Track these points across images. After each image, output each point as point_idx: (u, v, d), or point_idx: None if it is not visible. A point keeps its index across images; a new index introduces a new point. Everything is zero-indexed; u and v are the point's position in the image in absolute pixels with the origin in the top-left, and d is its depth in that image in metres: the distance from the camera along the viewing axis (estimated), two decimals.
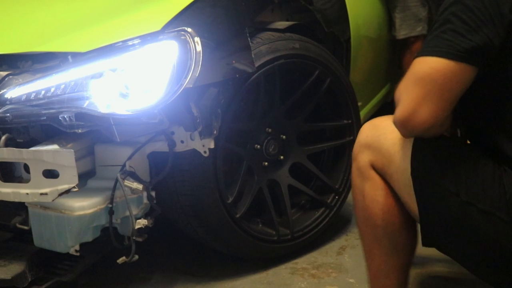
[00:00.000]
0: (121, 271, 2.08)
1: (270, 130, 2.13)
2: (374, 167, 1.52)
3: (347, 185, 2.35)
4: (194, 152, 1.86)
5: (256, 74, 1.97)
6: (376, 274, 1.61)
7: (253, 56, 1.92)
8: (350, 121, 2.36)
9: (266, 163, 2.15)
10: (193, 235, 2.09)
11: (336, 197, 2.34)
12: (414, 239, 1.58)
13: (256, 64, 1.93)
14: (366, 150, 1.53)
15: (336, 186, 2.34)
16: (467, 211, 1.35)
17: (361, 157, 1.54)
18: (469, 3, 1.31)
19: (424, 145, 1.41)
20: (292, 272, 2.15)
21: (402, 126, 1.40)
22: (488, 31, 1.30)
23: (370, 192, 1.53)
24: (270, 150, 2.16)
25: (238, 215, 2.05)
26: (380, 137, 1.50)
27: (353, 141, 2.17)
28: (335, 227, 2.41)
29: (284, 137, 2.19)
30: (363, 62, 2.83)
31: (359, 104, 2.76)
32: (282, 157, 2.20)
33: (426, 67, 1.33)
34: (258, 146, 2.12)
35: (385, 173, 1.50)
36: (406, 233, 1.55)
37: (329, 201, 2.31)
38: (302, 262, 2.21)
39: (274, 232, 2.16)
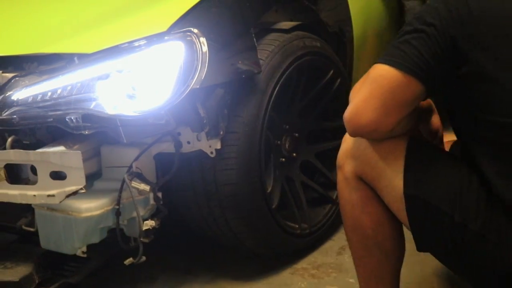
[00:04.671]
0: (123, 272, 2.07)
1: (287, 127, 2.15)
2: (362, 178, 1.52)
3: None
4: (243, 137, 1.88)
5: (290, 68, 2.02)
6: (369, 280, 1.61)
7: (284, 52, 1.99)
8: None
9: (283, 159, 2.16)
10: (222, 228, 2.04)
11: None
12: (404, 245, 1.59)
13: (290, 59, 2.00)
14: (353, 161, 1.51)
15: None
16: (461, 232, 1.36)
17: (348, 168, 1.53)
18: (429, 22, 1.33)
19: (418, 162, 1.42)
20: (292, 272, 2.15)
21: (347, 126, 1.43)
22: (438, 55, 1.32)
23: (359, 203, 1.53)
24: (287, 146, 2.17)
25: (273, 206, 2.06)
26: (366, 150, 1.48)
27: None
28: (335, 227, 2.42)
29: (297, 135, 2.20)
30: (366, 62, 2.84)
31: None
32: (295, 154, 2.21)
33: (377, 74, 1.37)
34: (278, 142, 2.13)
35: (375, 186, 1.49)
36: (396, 241, 1.57)
37: (334, 197, 2.35)
38: (302, 262, 2.21)
39: (297, 226, 2.17)
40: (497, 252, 1.34)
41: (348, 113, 1.42)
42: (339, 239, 2.36)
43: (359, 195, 1.53)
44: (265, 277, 2.13)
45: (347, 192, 1.55)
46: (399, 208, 1.44)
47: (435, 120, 1.63)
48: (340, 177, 1.56)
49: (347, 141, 1.54)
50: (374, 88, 1.37)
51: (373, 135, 1.43)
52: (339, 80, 2.28)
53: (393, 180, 1.43)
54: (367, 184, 1.51)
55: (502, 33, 1.31)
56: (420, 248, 1.47)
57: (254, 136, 1.93)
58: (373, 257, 1.57)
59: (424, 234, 1.43)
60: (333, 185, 2.34)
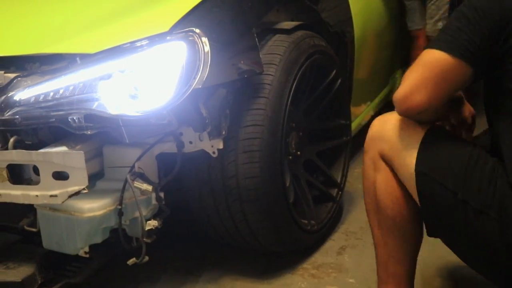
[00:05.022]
0: (124, 272, 2.08)
1: (294, 125, 2.16)
2: (383, 158, 1.61)
3: (345, 181, 2.47)
4: (266, 131, 1.89)
5: (305, 64, 2.07)
6: (388, 261, 1.67)
7: (298, 48, 2.03)
8: (348, 122, 2.49)
9: (290, 157, 2.17)
10: (238, 224, 2.03)
11: (340, 192, 2.43)
12: (421, 230, 1.64)
13: (305, 55, 2.05)
14: (378, 141, 1.62)
15: (338, 182, 2.44)
16: (463, 209, 1.45)
17: (373, 148, 1.63)
18: (475, 5, 1.47)
19: (432, 144, 1.53)
20: (292, 272, 2.15)
21: (399, 105, 1.54)
22: (485, 36, 1.45)
23: (381, 183, 1.62)
24: (293, 145, 2.18)
25: (290, 201, 2.08)
26: (389, 131, 1.59)
27: (349, 141, 2.42)
28: (335, 227, 2.43)
29: (301, 133, 2.22)
30: (367, 62, 2.84)
31: (362, 104, 2.82)
32: (299, 153, 2.22)
33: (430, 57, 1.50)
34: (287, 140, 2.14)
35: (392, 165, 1.59)
36: (413, 224, 1.63)
37: (334, 195, 2.39)
38: (302, 262, 2.21)
39: (307, 222, 2.19)
40: (498, 227, 1.42)
41: (400, 94, 1.52)
42: (339, 239, 2.37)
43: (381, 175, 1.62)
44: (266, 277, 2.13)
45: (371, 172, 1.65)
46: (411, 185, 1.54)
47: (466, 109, 1.73)
48: (366, 160, 1.67)
49: (375, 125, 1.65)
50: (426, 71, 1.49)
51: (422, 115, 1.54)
52: (339, 81, 2.32)
53: (407, 158, 1.54)
54: (388, 165, 1.61)
55: None
56: (430, 232, 1.59)
57: (277, 129, 1.95)
58: (392, 238, 1.65)
59: (432, 213, 1.53)
60: (333, 184, 2.42)
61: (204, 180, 1.95)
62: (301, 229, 2.13)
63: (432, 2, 3.28)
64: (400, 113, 1.57)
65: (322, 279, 2.11)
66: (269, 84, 1.94)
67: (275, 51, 2.00)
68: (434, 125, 1.60)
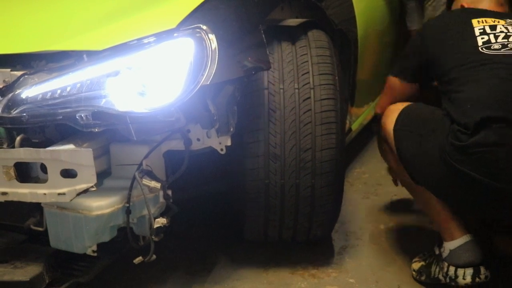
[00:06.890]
0: (123, 272, 2.09)
1: None
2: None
3: None
4: (339, 104, 2.00)
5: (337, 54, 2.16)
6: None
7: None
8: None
9: None
10: (300, 202, 2.02)
11: None
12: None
13: (338, 43, 2.18)
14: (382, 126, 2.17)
15: None
16: (420, 139, 1.92)
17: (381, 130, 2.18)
18: (412, 43, 2.25)
19: (404, 113, 2.05)
20: (292, 272, 2.16)
21: (377, 112, 2.32)
22: (414, 63, 2.17)
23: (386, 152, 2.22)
24: None
25: None
26: (386, 117, 2.15)
27: None
28: (335, 227, 2.42)
29: None
30: (369, 61, 2.85)
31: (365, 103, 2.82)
32: None
33: (388, 82, 2.26)
34: None
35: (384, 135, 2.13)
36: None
37: None
38: (302, 262, 2.22)
39: None
40: (437, 144, 1.85)
41: (376, 107, 2.38)
42: (339, 239, 2.38)
43: (384, 146, 2.18)
44: (266, 277, 2.13)
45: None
46: (392, 141, 2.05)
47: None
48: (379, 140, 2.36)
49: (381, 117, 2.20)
50: (387, 91, 2.27)
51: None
52: None
53: (389, 125, 2.06)
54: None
55: (439, 37, 2.07)
56: (414, 178, 2.01)
57: (343, 103, 2.07)
58: (415, 191, 2.10)
59: (403, 151, 1.99)
60: None
61: (275, 156, 1.95)
62: (338, 211, 2.18)
63: (430, 3, 3.30)
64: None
65: (322, 279, 2.11)
66: (331, 64, 2.04)
67: (320, 38, 2.09)
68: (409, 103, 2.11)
